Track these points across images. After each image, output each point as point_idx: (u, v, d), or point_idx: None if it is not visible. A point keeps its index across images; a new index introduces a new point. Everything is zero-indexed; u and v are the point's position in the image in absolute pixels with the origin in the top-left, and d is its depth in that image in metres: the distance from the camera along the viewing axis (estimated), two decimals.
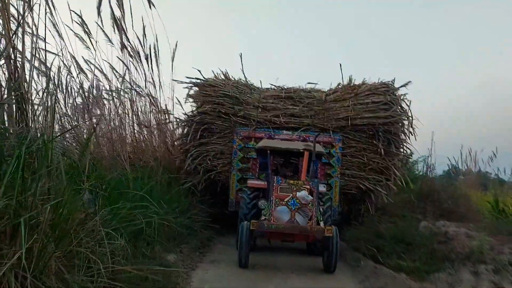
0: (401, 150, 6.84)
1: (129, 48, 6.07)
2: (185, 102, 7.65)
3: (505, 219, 5.63)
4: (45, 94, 1.90)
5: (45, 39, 2.35)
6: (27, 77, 1.86)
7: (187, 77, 7.29)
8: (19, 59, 1.78)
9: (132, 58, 6.18)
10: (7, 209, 1.37)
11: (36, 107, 1.87)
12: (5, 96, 1.72)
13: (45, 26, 2.13)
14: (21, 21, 1.89)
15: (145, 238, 2.52)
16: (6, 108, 1.66)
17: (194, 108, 7.40)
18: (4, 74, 1.75)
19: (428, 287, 3.63)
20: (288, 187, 4.53)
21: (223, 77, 7.56)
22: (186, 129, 7.42)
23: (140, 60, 6.37)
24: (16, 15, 1.99)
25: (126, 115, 5.76)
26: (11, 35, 1.76)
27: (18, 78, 1.80)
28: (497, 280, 3.56)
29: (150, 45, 6.44)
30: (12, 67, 1.76)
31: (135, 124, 6.29)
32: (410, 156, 6.93)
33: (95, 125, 3.75)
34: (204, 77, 7.32)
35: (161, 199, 3.29)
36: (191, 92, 7.49)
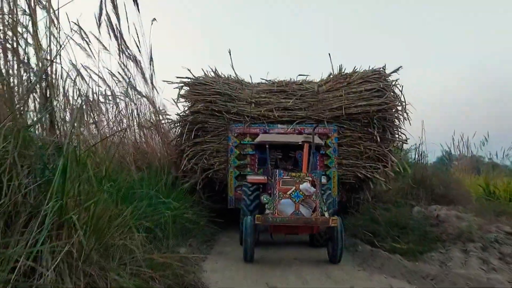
0: (396, 136, 7.13)
1: (126, 53, 6.37)
2: (177, 102, 7.98)
3: (496, 201, 6.14)
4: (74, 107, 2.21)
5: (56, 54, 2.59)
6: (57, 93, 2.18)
7: (178, 77, 7.48)
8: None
9: (130, 61, 6.49)
10: (57, 210, 1.70)
11: (62, 116, 2.19)
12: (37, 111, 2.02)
13: (49, 38, 2.39)
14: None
15: (158, 233, 2.86)
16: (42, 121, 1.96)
17: (186, 108, 7.75)
18: (37, 92, 2.04)
19: (421, 265, 4.03)
20: (291, 180, 4.68)
21: (213, 74, 7.74)
22: (180, 129, 7.78)
23: (138, 64, 6.68)
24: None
25: (128, 118, 6.06)
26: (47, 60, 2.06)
27: (49, 96, 2.11)
28: (485, 256, 4.02)
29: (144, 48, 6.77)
30: (44, 87, 2.06)
31: (136, 126, 6.60)
32: (405, 141, 7.37)
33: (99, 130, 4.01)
34: (194, 76, 7.59)
35: (168, 197, 3.65)
36: (182, 92, 7.88)
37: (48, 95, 2.10)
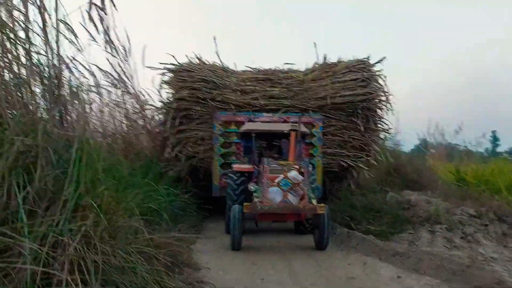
0: (379, 126, 7.68)
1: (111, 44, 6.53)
2: (160, 89, 8.20)
3: (465, 186, 6.94)
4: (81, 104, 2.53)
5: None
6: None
7: (161, 63, 7.71)
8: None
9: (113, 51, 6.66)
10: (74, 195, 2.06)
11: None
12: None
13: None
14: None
15: (152, 218, 3.27)
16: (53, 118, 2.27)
17: (170, 95, 7.98)
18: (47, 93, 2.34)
19: (391, 245, 4.69)
20: (279, 168, 4.98)
21: (197, 61, 7.97)
22: (163, 117, 8.05)
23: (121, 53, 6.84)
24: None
25: (114, 109, 6.29)
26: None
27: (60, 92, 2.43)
28: (449, 236, 4.73)
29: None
30: (54, 87, 2.37)
31: (123, 117, 6.84)
32: (387, 131, 7.93)
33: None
34: (178, 62, 7.79)
35: (157, 185, 4.05)
36: (166, 78, 8.10)
37: (59, 92, 2.42)
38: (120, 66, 6.12)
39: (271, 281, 3.59)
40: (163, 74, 7.84)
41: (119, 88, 6.33)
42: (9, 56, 2.18)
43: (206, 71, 7.63)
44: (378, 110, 7.57)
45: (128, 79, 6.73)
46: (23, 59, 2.24)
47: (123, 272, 2.14)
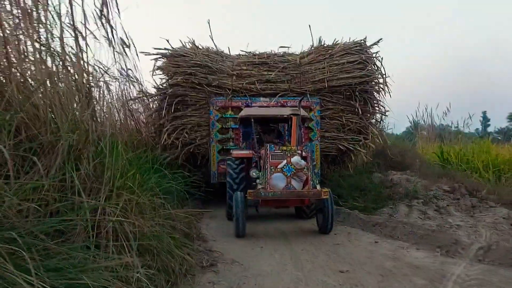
0: (377, 108, 8.55)
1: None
2: (153, 75, 8.92)
3: (448, 166, 8.29)
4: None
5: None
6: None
7: (155, 48, 8.43)
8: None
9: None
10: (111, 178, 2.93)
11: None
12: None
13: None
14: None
15: (166, 197, 4.17)
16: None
17: (164, 81, 8.71)
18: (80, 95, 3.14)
19: (373, 217, 5.91)
20: (282, 154, 5.40)
21: (191, 46, 8.68)
22: (158, 103, 8.82)
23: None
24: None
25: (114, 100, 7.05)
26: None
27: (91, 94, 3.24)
28: (424, 209, 6.00)
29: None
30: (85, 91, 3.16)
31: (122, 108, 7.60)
32: (385, 114, 8.79)
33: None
34: (172, 47, 8.49)
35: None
36: (159, 63, 8.79)
37: (90, 96, 3.22)
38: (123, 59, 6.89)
39: (268, 249, 4.66)
40: (156, 59, 8.61)
41: (129, 82, 7.07)
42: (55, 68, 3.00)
43: (200, 55, 8.31)
44: (375, 93, 8.42)
45: (131, 70, 7.50)
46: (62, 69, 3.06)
47: (152, 239, 3.02)
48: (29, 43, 3.07)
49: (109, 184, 2.93)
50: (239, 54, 8.98)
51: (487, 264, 3.96)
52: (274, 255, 4.38)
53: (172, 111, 8.15)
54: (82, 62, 3.20)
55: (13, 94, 2.65)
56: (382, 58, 8.38)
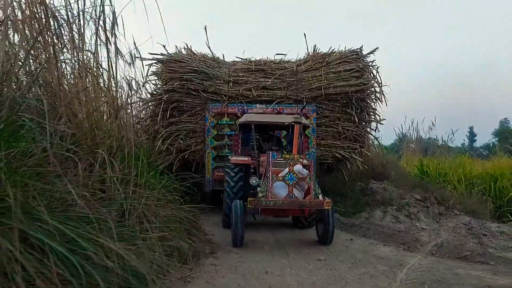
0: (373, 117, 9.74)
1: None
2: (146, 81, 10.08)
3: (426, 178, 10.25)
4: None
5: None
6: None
7: (150, 53, 9.59)
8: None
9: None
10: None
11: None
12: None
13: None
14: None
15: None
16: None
17: (159, 86, 9.74)
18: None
19: (352, 220, 7.46)
20: (284, 162, 5.88)
21: (187, 52, 9.89)
22: (153, 109, 9.98)
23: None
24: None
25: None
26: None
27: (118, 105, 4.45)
28: (397, 214, 7.72)
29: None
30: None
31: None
32: (381, 122, 10.05)
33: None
34: (168, 53, 9.68)
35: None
36: (154, 69, 9.96)
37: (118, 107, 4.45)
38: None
39: (259, 242, 6.04)
40: (150, 65, 9.80)
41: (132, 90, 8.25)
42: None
43: (197, 61, 9.51)
44: (372, 101, 9.66)
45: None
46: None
47: (167, 225, 4.23)
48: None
49: (134, 181, 4.16)
50: (235, 61, 10.18)
51: (437, 257, 5.47)
52: (264, 247, 5.69)
53: (167, 117, 9.27)
54: (112, 79, 4.44)
55: (64, 110, 3.87)
56: (378, 67, 9.67)
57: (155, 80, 10.06)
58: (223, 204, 7.42)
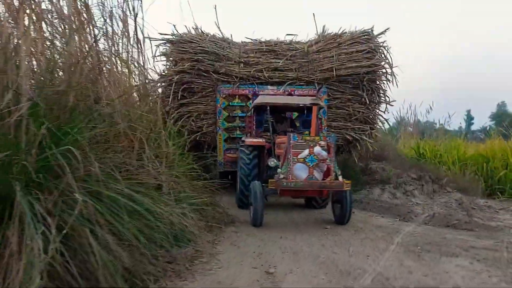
0: (383, 98, 10.59)
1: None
2: (154, 61, 10.91)
3: (423, 160, 11.89)
4: None
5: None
6: None
7: (160, 33, 10.29)
8: None
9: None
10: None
11: None
12: None
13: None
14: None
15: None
16: None
17: (169, 67, 10.53)
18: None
19: (353, 196, 8.14)
20: (305, 143, 6.38)
21: (197, 32, 10.66)
22: (163, 90, 10.83)
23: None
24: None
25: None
26: None
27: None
28: (394, 192, 9.05)
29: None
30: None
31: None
32: (391, 103, 10.85)
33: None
34: (179, 33, 10.44)
35: None
36: (163, 49, 10.77)
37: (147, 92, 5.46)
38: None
39: (271, 214, 7.21)
40: (158, 45, 10.60)
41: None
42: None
43: (207, 42, 10.30)
44: (383, 82, 10.50)
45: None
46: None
47: (197, 197, 5.30)
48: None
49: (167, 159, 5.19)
50: (245, 42, 10.99)
51: (430, 225, 6.82)
52: (277, 218, 6.96)
53: (178, 98, 10.10)
54: (143, 69, 5.43)
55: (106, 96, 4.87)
56: (389, 48, 10.50)
57: (164, 61, 10.90)
58: (237, 185, 8.30)
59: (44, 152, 3.31)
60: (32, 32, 4.09)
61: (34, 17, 4.19)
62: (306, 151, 6.34)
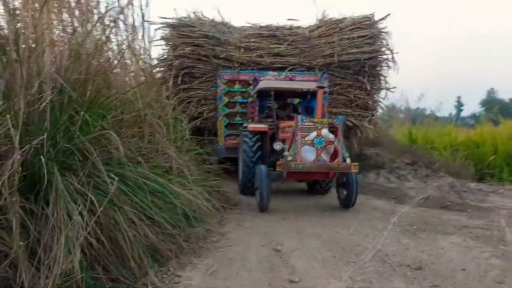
0: (384, 84, 11.04)
1: None
2: (151, 46, 11.23)
3: (415, 145, 12.63)
4: None
5: None
6: None
7: (161, 17, 10.60)
8: None
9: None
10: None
11: None
12: None
13: None
14: None
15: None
16: None
17: (169, 52, 10.83)
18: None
19: None
20: (312, 126, 6.61)
21: (197, 16, 10.98)
22: (161, 76, 11.18)
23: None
24: None
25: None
26: None
27: None
28: (388, 176, 9.82)
29: None
30: None
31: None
32: (391, 90, 11.25)
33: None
34: (179, 17, 10.74)
35: None
36: (162, 34, 11.11)
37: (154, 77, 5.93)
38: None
39: (273, 198, 7.28)
40: (156, 29, 10.94)
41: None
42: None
43: (208, 26, 10.66)
44: (383, 68, 10.94)
45: None
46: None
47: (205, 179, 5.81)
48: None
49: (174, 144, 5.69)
50: (245, 27, 11.36)
51: (424, 207, 7.57)
52: (278, 202, 7.48)
53: (179, 83, 10.41)
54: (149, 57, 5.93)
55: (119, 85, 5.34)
56: (391, 34, 10.91)
57: (163, 45, 11.26)
58: (240, 172, 8.70)
59: (72, 138, 3.78)
60: (54, 21, 4.53)
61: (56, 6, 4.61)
62: (314, 133, 6.59)
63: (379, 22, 11.02)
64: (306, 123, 6.72)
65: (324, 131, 6.62)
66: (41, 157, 3.25)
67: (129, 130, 4.99)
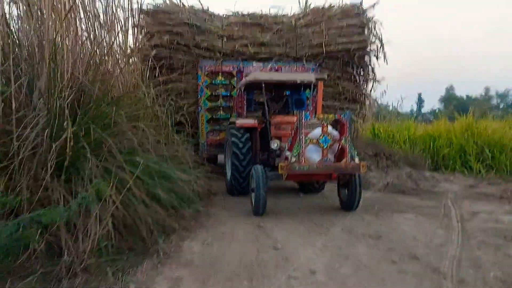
0: (373, 76, 12.50)
1: None
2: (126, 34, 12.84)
3: (378, 139, 15.69)
4: None
5: None
6: None
7: (135, 3, 11.89)
8: None
9: None
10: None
11: None
12: None
13: None
14: None
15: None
16: None
17: (146, 40, 11.86)
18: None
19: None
20: (318, 123, 6.91)
21: (174, 2, 12.06)
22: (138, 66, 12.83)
23: None
24: None
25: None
26: None
27: None
28: None
29: None
30: None
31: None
32: (379, 81, 12.76)
33: None
34: (155, 3, 11.82)
35: None
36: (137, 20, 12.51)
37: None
38: None
39: (271, 192, 8.60)
40: (133, 15, 12.60)
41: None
42: None
43: (187, 13, 11.75)
44: (373, 59, 12.46)
45: None
46: None
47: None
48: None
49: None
50: (227, 15, 12.60)
51: (384, 192, 10.15)
52: (278, 197, 8.94)
53: (156, 75, 11.33)
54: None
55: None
56: (381, 23, 12.48)
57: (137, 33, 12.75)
58: (227, 171, 9.56)
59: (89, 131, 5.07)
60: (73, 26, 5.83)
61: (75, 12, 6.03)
62: (319, 131, 6.96)
63: (368, 10, 12.57)
64: (311, 120, 7.33)
65: (330, 129, 6.98)
66: (77, 144, 4.64)
67: (145, 123, 6.74)
